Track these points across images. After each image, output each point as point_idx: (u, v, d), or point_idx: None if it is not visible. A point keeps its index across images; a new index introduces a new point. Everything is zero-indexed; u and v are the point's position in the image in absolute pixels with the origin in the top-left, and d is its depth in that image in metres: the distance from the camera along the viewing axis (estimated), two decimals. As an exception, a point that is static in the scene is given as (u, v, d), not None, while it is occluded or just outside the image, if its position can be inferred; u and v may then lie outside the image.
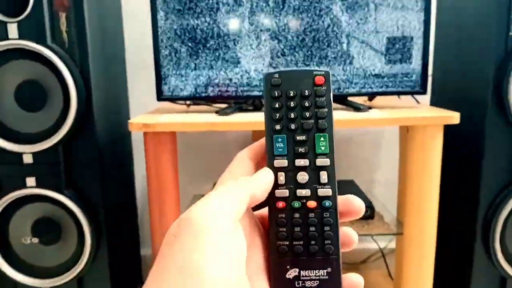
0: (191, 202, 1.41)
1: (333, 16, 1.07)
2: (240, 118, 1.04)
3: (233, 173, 0.36)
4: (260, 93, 1.10)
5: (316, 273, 0.34)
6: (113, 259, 1.19)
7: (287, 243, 0.35)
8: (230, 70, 1.09)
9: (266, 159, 0.36)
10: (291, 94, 0.36)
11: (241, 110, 1.13)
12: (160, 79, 1.10)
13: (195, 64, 1.09)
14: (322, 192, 0.35)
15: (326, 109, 0.35)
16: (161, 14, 1.06)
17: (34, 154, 1.06)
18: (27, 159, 1.06)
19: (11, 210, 1.10)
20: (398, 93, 1.14)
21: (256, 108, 1.15)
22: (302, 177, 0.35)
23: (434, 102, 1.39)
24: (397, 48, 1.09)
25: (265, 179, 0.34)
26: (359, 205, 0.35)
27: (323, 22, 1.07)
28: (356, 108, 1.08)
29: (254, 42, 1.08)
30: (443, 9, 1.31)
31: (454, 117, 1.00)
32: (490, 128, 1.06)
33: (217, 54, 1.08)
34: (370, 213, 1.18)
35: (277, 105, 0.36)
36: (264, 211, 0.37)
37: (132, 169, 1.51)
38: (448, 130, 1.03)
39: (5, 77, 1.03)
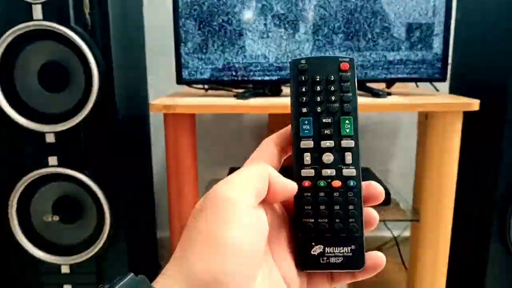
0: (207, 187, 1.43)
1: (353, 1, 1.06)
2: (258, 101, 1.05)
3: (258, 158, 0.37)
4: (278, 78, 1.11)
5: (340, 250, 0.35)
6: (130, 239, 1.21)
7: (313, 220, 0.36)
8: (249, 55, 1.09)
9: (291, 144, 0.37)
10: (317, 79, 0.37)
11: (259, 95, 1.13)
12: (179, 63, 1.11)
13: (214, 48, 1.09)
14: (346, 172, 0.36)
15: (350, 94, 0.36)
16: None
17: (56, 134, 1.08)
18: (50, 138, 1.09)
19: (33, 189, 1.12)
20: (418, 80, 1.14)
21: (274, 93, 1.16)
22: (328, 157, 0.36)
23: (452, 91, 1.38)
24: (417, 34, 1.08)
25: (290, 183, 0.35)
26: (380, 190, 0.36)
27: (344, 7, 1.07)
28: (375, 93, 1.08)
29: (273, 28, 1.08)
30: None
31: (473, 104, 1.00)
32: (510, 116, 1.05)
33: (235, 39, 1.09)
34: (386, 199, 1.18)
35: (303, 89, 0.37)
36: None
37: (150, 152, 1.53)
38: (467, 117, 1.03)
39: (29, 58, 1.05)
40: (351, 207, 0.35)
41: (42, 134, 1.08)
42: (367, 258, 0.36)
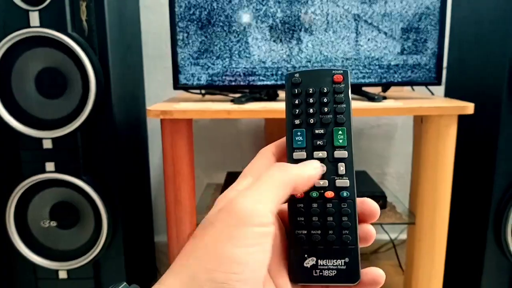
0: (205, 191, 1.43)
1: (350, 5, 1.07)
2: (255, 106, 1.05)
3: (255, 169, 0.36)
4: (274, 83, 1.12)
5: (333, 263, 0.35)
6: (128, 245, 1.22)
7: (305, 232, 0.35)
8: (245, 59, 1.10)
9: (286, 155, 0.37)
10: (311, 91, 0.37)
11: (256, 99, 1.14)
12: (176, 68, 1.11)
13: (211, 53, 1.10)
14: (339, 183, 0.35)
15: (344, 105, 0.36)
16: (178, 4, 1.08)
17: (54, 140, 1.09)
18: (47, 144, 1.09)
19: (30, 194, 1.12)
20: (413, 84, 1.15)
21: (270, 98, 1.16)
22: None
23: (448, 94, 1.39)
24: (412, 38, 1.09)
25: (310, 172, 0.34)
26: (375, 208, 0.36)
27: (340, 13, 1.08)
28: (371, 98, 1.09)
29: (269, 32, 1.09)
30: (460, 1, 1.31)
31: (468, 107, 1.01)
32: (505, 119, 1.06)
33: (232, 44, 1.09)
34: (382, 203, 1.19)
35: (297, 102, 0.37)
36: (284, 205, 0.37)
37: (147, 157, 1.53)
38: (462, 121, 1.04)
39: (26, 64, 1.06)
40: (344, 218, 0.35)
41: (39, 140, 1.09)
42: (365, 273, 0.35)
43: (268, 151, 0.38)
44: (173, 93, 1.27)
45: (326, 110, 0.36)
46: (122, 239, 1.18)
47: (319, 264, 0.35)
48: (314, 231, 0.35)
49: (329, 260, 0.35)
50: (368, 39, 1.09)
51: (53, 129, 1.07)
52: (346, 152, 0.36)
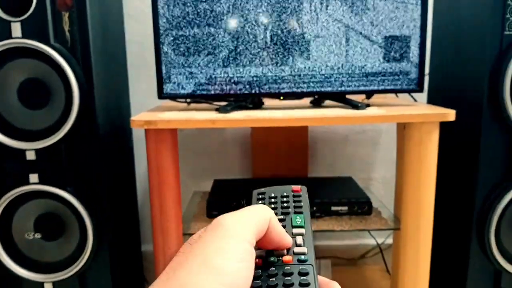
0: (192, 199, 1.43)
1: (332, 14, 1.09)
2: (240, 115, 1.06)
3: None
4: (259, 91, 1.12)
5: None
6: (114, 255, 1.21)
7: None
8: (230, 68, 1.11)
9: None
10: (272, 195, 0.42)
11: (241, 108, 1.14)
12: (161, 78, 1.11)
13: (196, 62, 1.10)
14: (298, 250, 0.36)
15: (302, 203, 0.40)
16: (162, 14, 1.08)
17: (37, 151, 1.08)
18: (30, 156, 1.08)
19: (14, 206, 1.11)
20: (395, 91, 1.16)
21: (256, 106, 1.17)
22: None
23: (431, 101, 1.41)
24: (394, 46, 1.11)
25: (287, 236, 0.36)
26: None
27: (322, 20, 1.09)
28: (354, 105, 1.10)
29: (254, 41, 1.09)
30: (440, 8, 1.34)
31: (449, 114, 1.02)
32: (486, 126, 1.08)
33: (217, 52, 1.10)
34: (367, 209, 1.20)
35: (260, 202, 0.42)
36: None
37: (133, 166, 1.53)
38: (445, 127, 1.05)
39: (8, 75, 1.05)
40: (303, 277, 0.33)
41: (22, 152, 1.08)
42: None
43: None
44: (158, 102, 1.26)
45: (286, 205, 0.41)
46: (108, 250, 1.17)
47: None
48: None
49: None
50: (351, 47, 1.10)
51: (37, 140, 1.06)
52: (303, 229, 0.38)
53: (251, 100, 1.17)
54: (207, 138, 1.62)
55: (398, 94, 1.35)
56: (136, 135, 1.50)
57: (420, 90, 1.14)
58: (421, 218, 1.08)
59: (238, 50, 1.10)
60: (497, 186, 1.10)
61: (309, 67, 1.11)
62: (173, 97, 1.14)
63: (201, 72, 1.11)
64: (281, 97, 1.19)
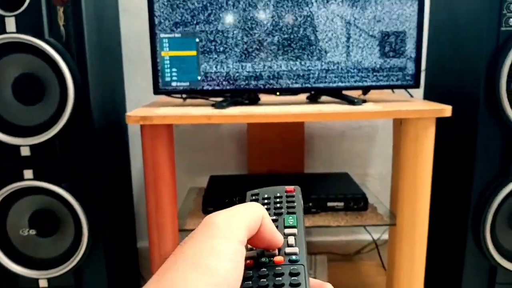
0: (188, 195, 1.43)
1: (329, 10, 1.08)
2: (236, 111, 1.05)
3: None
4: (255, 87, 1.12)
5: None
6: (110, 251, 1.20)
7: None
8: (227, 63, 1.10)
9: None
10: (266, 196, 0.42)
11: (237, 103, 1.14)
12: (156, 73, 1.11)
13: (192, 57, 1.10)
14: (289, 250, 0.35)
15: (295, 204, 0.40)
16: (157, 8, 1.07)
17: (32, 147, 1.07)
18: (25, 151, 1.07)
19: (9, 203, 1.10)
20: (392, 87, 1.16)
21: (252, 102, 1.17)
22: None
23: (427, 96, 1.41)
24: (391, 42, 1.10)
25: (278, 234, 0.36)
26: None
27: (318, 16, 1.08)
28: (351, 101, 1.10)
29: (250, 36, 1.09)
30: (437, 4, 1.33)
31: (446, 110, 1.02)
32: (482, 121, 1.08)
33: (213, 48, 1.09)
34: (363, 205, 1.20)
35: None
36: None
37: (129, 162, 1.52)
38: (441, 123, 1.05)
39: (2, 70, 1.04)
40: (294, 277, 0.33)
41: (17, 147, 1.07)
42: None
43: None
44: (154, 97, 1.26)
45: (279, 206, 0.40)
46: (104, 246, 1.17)
47: None
48: None
49: None
50: (348, 43, 1.10)
51: (31, 136, 1.05)
52: (296, 229, 0.37)
53: (247, 95, 1.17)
54: (203, 134, 1.62)
55: (395, 90, 1.35)
56: (132, 130, 1.49)
57: (417, 86, 1.13)
58: (417, 214, 1.08)
59: (234, 45, 1.09)
60: (493, 181, 1.10)
61: (305, 63, 1.11)
62: (169, 92, 1.14)
63: (197, 67, 1.10)
64: (277, 93, 1.18)
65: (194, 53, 1.09)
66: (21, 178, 1.08)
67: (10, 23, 1.01)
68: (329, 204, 1.20)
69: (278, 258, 0.35)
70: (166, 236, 1.07)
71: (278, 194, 0.42)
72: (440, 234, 1.28)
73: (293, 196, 0.42)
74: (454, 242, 1.21)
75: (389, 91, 1.37)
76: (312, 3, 1.08)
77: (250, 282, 0.33)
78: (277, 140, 1.46)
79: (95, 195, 1.13)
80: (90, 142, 1.11)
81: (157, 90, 1.12)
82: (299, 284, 0.32)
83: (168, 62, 1.10)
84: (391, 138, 1.37)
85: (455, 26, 1.22)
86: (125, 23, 1.46)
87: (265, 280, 0.33)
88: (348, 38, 1.10)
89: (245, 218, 0.33)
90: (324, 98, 1.21)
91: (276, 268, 0.34)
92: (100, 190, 1.15)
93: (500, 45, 1.04)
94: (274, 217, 0.39)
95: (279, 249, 0.36)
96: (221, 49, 1.09)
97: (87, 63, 1.07)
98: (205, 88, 1.12)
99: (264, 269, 0.34)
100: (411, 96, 1.31)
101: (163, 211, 1.06)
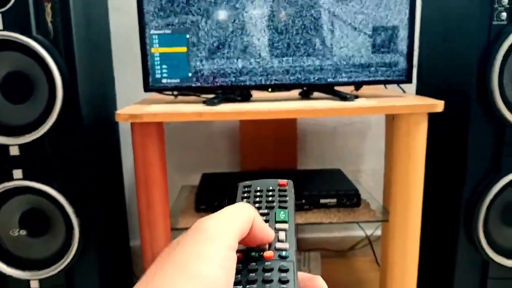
0: (180, 193, 1.42)
1: (321, 5, 1.07)
2: (228, 108, 1.04)
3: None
4: (247, 83, 1.11)
5: None
6: (101, 251, 1.19)
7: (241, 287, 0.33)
8: (218, 60, 1.09)
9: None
10: (258, 188, 0.42)
11: (229, 100, 1.13)
12: (147, 70, 1.09)
13: (182, 54, 1.09)
14: (279, 245, 0.35)
15: (287, 198, 0.40)
16: (146, 5, 1.06)
17: (21, 146, 1.05)
18: (14, 151, 1.06)
19: (-2, 203, 1.09)
20: (384, 82, 1.15)
21: (244, 98, 1.16)
22: None
23: (419, 92, 1.41)
24: (383, 37, 1.10)
25: (270, 230, 0.35)
26: (320, 285, 0.35)
27: (309, 12, 1.07)
28: (343, 97, 1.09)
29: (242, 32, 1.08)
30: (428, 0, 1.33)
31: (438, 105, 1.02)
32: (474, 117, 1.08)
33: (204, 44, 1.08)
34: (356, 201, 1.20)
35: (245, 195, 0.41)
36: None
37: (120, 160, 1.51)
38: (434, 119, 1.05)
39: (-11, 68, 1.02)
40: (283, 274, 0.33)
41: (5, 147, 1.05)
42: None
43: None
44: (145, 95, 1.24)
45: (270, 200, 0.40)
46: (96, 246, 1.16)
47: None
48: (249, 286, 0.33)
49: None
50: (340, 38, 1.09)
51: (20, 135, 1.04)
52: (287, 225, 0.37)
53: (239, 92, 1.16)
54: (195, 131, 1.61)
55: (387, 86, 1.34)
56: (123, 127, 1.48)
57: (409, 81, 1.13)
58: (410, 210, 1.08)
59: (226, 41, 1.08)
60: (486, 177, 1.10)
61: (297, 59, 1.10)
62: (160, 89, 1.12)
63: (188, 64, 1.09)
64: (270, 89, 1.18)
65: (184, 49, 1.08)
66: (11, 178, 1.07)
67: (-3, 20, 0.99)
68: (322, 200, 1.19)
69: (268, 253, 0.34)
70: (158, 235, 1.06)
71: (271, 188, 0.42)
72: (433, 230, 1.28)
73: (285, 191, 0.41)
74: (446, 237, 1.21)
75: (382, 86, 1.37)
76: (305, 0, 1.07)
77: (239, 276, 0.33)
78: (269, 137, 1.46)
79: (86, 194, 1.12)
80: (80, 140, 1.09)
81: (147, 88, 1.11)
82: (287, 281, 0.32)
83: (158, 58, 1.09)
84: (383, 133, 1.37)
85: (447, 20, 1.22)
86: (115, 21, 1.44)
87: (254, 274, 0.33)
88: (340, 34, 1.09)
89: (236, 222, 0.32)
90: (316, 94, 1.20)
91: (266, 263, 0.34)
92: (92, 189, 1.13)
93: (492, 39, 1.03)
94: (265, 211, 0.39)
95: (270, 244, 0.36)
96: (212, 45, 1.08)
97: (76, 60, 1.05)
98: (196, 85, 1.11)
99: (253, 263, 0.34)
100: (404, 91, 1.30)
101: (154, 209, 1.05)
